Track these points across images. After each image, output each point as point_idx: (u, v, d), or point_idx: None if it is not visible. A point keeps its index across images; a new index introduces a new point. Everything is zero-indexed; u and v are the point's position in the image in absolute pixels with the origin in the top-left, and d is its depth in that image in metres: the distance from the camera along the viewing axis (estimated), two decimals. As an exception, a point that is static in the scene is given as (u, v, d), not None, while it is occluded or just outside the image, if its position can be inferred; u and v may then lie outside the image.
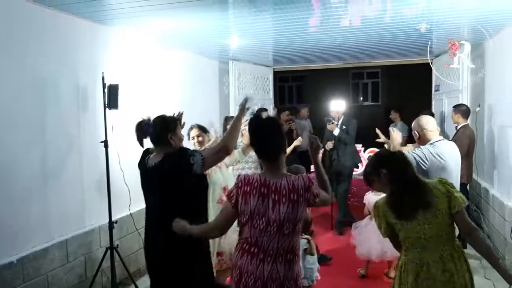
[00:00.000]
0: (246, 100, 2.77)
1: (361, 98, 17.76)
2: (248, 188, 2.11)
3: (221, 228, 2.27)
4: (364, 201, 4.45)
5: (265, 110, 6.63)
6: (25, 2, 3.20)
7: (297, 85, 18.39)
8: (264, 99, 7.40)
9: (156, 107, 4.90)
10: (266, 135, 2.17)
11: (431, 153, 3.13)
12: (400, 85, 15.69)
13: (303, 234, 3.28)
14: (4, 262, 3.06)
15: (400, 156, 2.36)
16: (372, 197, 4.13)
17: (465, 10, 4.02)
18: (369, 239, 4.13)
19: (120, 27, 4.22)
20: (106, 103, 3.70)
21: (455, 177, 3.18)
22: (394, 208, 2.25)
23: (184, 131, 3.14)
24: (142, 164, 2.75)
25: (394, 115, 8.46)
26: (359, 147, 8.22)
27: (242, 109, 2.74)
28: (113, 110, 3.73)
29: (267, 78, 7.56)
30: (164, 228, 2.42)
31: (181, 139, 2.78)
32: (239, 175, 2.19)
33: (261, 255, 2.09)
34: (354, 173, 6.37)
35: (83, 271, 3.81)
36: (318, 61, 7.60)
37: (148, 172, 2.67)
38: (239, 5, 3.63)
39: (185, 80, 5.70)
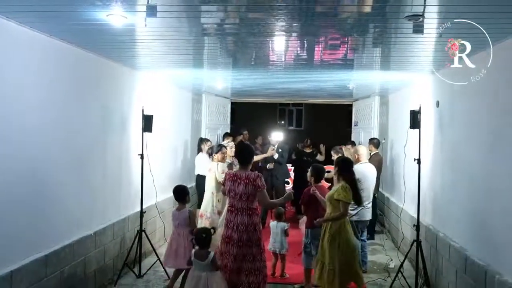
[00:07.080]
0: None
1: (283, 123, 20.19)
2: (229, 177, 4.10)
3: None
4: None
5: (230, 134, 8.45)
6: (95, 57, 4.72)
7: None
8: (223, 124, 9.22)
9: (161, 131, 6.55)
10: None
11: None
12: (321, 114, 18.43)
13: (280, 220, 5.19)
14: (85, 234, 4.50)
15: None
16: None
17: (375, 80, 6.41)
18: None
19: (145, 72, 5.83)
20: (143, 127, 5.27)
21: (371, 185, 5.33)
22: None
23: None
24: None
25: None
26: (289, 166, 10.06)
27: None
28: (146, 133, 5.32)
29: (226, 108, 9.39)
30: None
31: None
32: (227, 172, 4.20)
33: (235, 211, 3.95)
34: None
35: (121, 244, 5.29)
36: (266, 97, 9.66)
37: None
38: (210, 66, 5.56)
39: (173, 108, 7.36)
